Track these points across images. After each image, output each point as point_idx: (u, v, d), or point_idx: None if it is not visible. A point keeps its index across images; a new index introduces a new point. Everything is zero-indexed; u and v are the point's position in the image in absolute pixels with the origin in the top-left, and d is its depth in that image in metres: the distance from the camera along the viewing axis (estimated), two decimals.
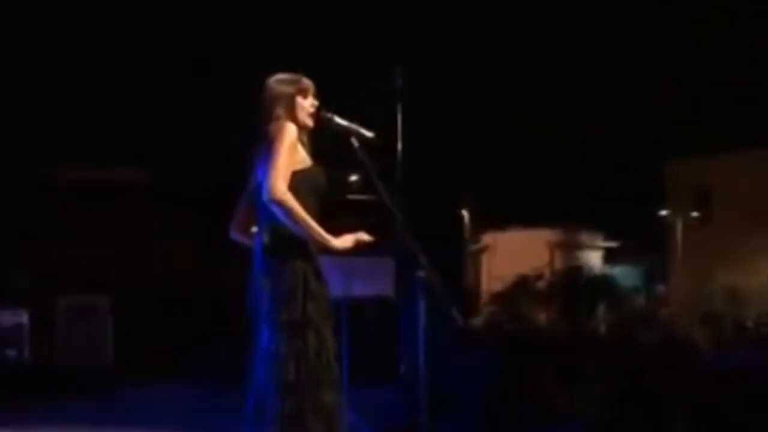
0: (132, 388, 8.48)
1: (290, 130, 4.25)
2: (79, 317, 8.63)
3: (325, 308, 4.24)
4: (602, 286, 13.79)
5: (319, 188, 4.36)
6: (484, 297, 18.70)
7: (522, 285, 14.43)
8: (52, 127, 8.02)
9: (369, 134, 4.50)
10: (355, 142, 4.45)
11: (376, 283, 5.92)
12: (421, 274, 4.53)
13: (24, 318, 8.49)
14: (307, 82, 4.43)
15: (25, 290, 8.84)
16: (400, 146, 6.65)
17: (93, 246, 10.17)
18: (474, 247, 24.26)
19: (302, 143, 4.35)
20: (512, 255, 22.13)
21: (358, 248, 4.31)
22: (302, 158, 4.31)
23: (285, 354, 4.14)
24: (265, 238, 4.22)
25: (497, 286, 15.58)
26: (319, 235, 4.18)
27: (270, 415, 4.13)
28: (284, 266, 4.16)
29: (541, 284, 14.59)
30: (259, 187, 4.24)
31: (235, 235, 4.43)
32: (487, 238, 24.30)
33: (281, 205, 4.12)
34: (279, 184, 4.14)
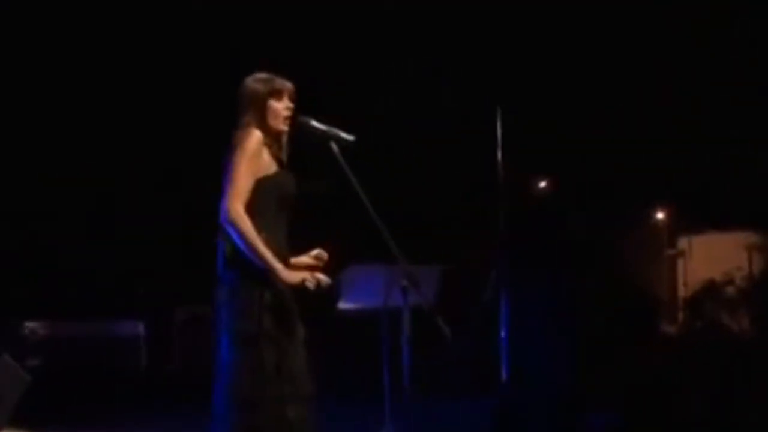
0: None
1: (253, 138, 4.09)
2: (196, 327, 8.77)
3: (289, 320, 4.06)
4: None
5: (285, 195, 4.18)
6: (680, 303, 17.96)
7: (711, 291, 13.72)
8: None
9: (349, 138, 4.30)
10: (334, 146, 4.26)
11: (420, 291, 5.67)
12: (404, 283, 4.30)
13: (140, 329, 8.70)
14: (281, 83, 4.25)
15: (142, 301, 9.07)
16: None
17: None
18: (670, 252, 23.29)
19: (269, 147, 4.19)
20: (709, 259, 21.07)
21: (313, 271, 4.08)
22: (266, 164, 4.13)
23: (240, 367, 4.01)
24: (226, 249, 4.08)
25: (690, 292, 14.91)
26: (269, 263, 3.96)
27: (224, 429, 4.01)
28: (241, 278, 4.01)
29: (731, 290, 13.82)
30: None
31: None
32: (683, 242, 23.22)
33: (233, 226, 3.98)
34: (233, 205, 4.00)
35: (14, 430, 7.07)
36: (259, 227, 4.03)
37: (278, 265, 3.98)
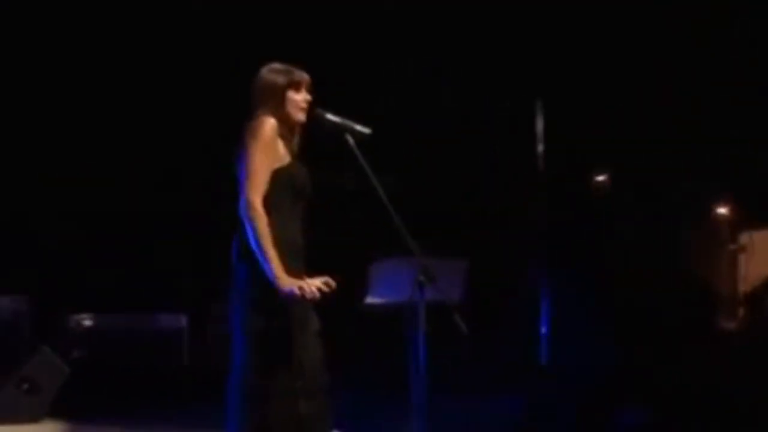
0: None
1: (267, 126, 4.05)
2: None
3: (301, 313, 4.02)
4: None
5: (300, 187, 4.14)
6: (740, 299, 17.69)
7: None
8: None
9: (365, 130, 4.25)
10: (350, 139, 4.22)
11: (445, 286, 5.60)
12: (420, 278, 4.24)
13: (184, 322, 8.73)
14: (300, 74, 4.22)
15: (185, 294, 9.08)
16: None
17: None
18: (731, 247, 22.93)
19: (284, 139, 4.16)
20: None
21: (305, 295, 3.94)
22: (281, 155, 4.10)
23: (250, 361, 3.99)
24: (240, 241, 4.05)
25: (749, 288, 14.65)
26: (273, 268, 3.90)
27: (233, 424, 4.00)
28: (253, 271, 3.96)
29: None
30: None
31: None
32: (745, 237, 22.83)
33: (250, 223, 3.94)
34: (253, 199, 3.96)
35: (54, 420, 7.17)
36: (275, 221, 4.00)
37: (280, 272, 3.90)
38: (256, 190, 3.98)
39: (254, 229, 3.93)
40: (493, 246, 8.15)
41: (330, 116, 4.24)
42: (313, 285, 3.93)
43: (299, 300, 3.91)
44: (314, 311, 4.16)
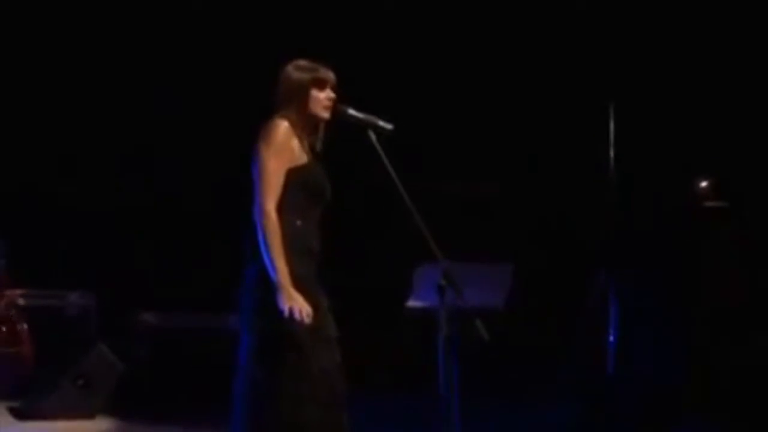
0: None
1: (279, 129, 3.94)
2: None
3: (314, 318, 3.88)
4: None
5: (315, 188, 4.02)
6: None
7: None
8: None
9: (388, 126, 4.12)
10: (372, 135, 4.09)
11: (488, 292, 5.42)
12: (442, 282, 4.08)
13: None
14: (325, 72, 4.10)
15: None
16: None
17: None
18: None
19: (300, 138, 4.04)
20: None
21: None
22: (296, 155, 3.98)
23: (256, 365, 3.89)
24: (251, 243, 3.95)
25: None
26: (279, 278, 3.79)
27: (238, 426, 3.89)
28: (263, 273, 3.86)
29: None
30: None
31: None
32: None
33: (262, 231, 3.84)
34: (266, 206, 3.86)
35: (108, 417, 7.19)
36: (288, 223, 3.90)
37: (286, 282, 3.79)
38: (269, 196, 3.88)
39: (265, 237, 3.83)
40: (562, 250, 7.97)
41: (352, 112, 4.13)
42: (305, 313, 3.79)
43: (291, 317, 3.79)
44: (330, 316, 4.05)
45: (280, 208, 3.90)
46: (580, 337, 7.75)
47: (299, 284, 3.85)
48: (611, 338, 7.67)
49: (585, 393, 7.46)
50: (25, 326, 7.70)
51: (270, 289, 3.83)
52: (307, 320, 3.79)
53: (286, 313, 3.75)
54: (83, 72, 8.82)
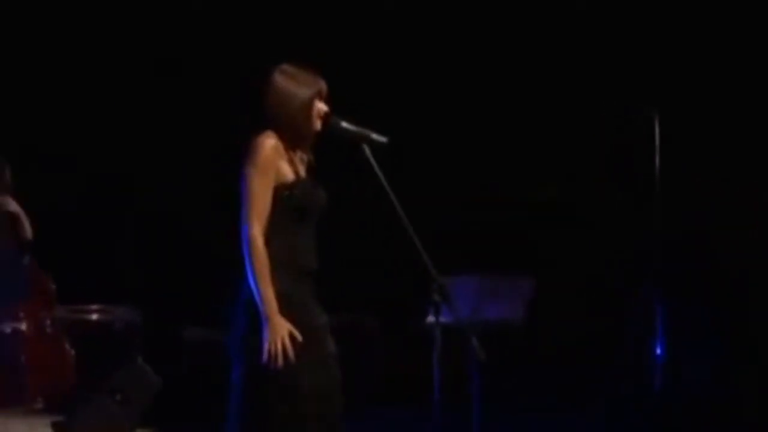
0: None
1: (265, 146, 3.85)
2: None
3: (307, 336, 3.83)
4: None
5: (303, 205, 3.93)
6: None
7: None
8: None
9: (382, 139, 4.04)
10: (366, 149, 4.01)
11: (508, 305, 5.32)
12: (436, 297, 3.99)
13: None
14: (322, 82, 4.01)
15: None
16: None
17: None
18: None
19: (291, 153, 3.97)
20: None
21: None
22: (283, 173, 3.90)
23: (247, 385, 3.85)
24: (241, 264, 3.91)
25: None
26: (266, 308, 3.75)
27: None
28: (250, 289, 3.82)
29: None
30: None
31: None
32: None
33: (248, 258, 3.79)
34: (251, 232, 3.79)
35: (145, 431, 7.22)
36: (278, 243, 3.85)
37: (273, 310, 3.75)
38: (255, 220, 3.80)
39: (251, 265, 3.77)
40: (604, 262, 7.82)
41: (345, 124, 4.05)
42: (286, 347, 3.75)
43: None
44: (329, 333, 4.00)
45: (270, 228, 3.84)
46: (624, 352, 7.59)
47: (291, 305, 3.82)
48: (658, 352, 7.46)
49: (632, 410, 7.30)
50: (68, 342, 7.77)
51: (255, 312, 3.81)
52: (290, 353, 3.74)
53: (271, 350, 3.72)
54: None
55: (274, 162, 3.85)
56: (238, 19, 8.57)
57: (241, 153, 3.90)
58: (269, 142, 3.86)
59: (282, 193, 3.87)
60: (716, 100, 7.81)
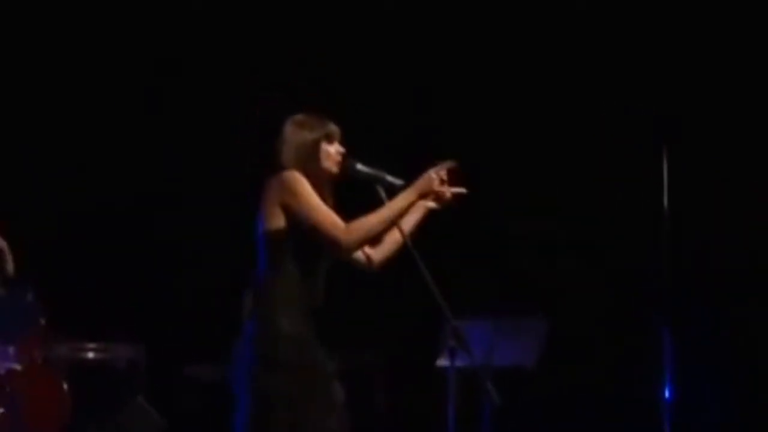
0: None
1: (298, 176, 3.90)
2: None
3: (313, 381, 3.77)
4: None
5: (319, 244, 3.89)
6: None
7: None
8: None
9: (398, 182, 4.03)
10: (381, 191, 3.99)
11: (521, 349, 5.22)
12: (451, 343, 3.92)
13: None
14: (332, 126, 4.07)
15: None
16: None
17: None
18: None
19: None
20: None
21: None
22: None
23: (250, 426, 3.80)
24: (248, 298, 3.87)
25: None
26: (402, 204, 3.91)
27: None
28: (259, 328, 3.84)
29: None
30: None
31: None
32: None
33: (357, 241, 3.87)
34: (339, 234, 3.82)
35: None
36: (288, 277, 3.85)
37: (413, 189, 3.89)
38: (332, 227, 3.81)
39: (366, 233, 3.84)
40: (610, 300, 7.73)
41: (361, 166, 4.07)
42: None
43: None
44: (335, 381, 3.93)
45: (284, 257, 3.85)
46: (634, 394, 7.49)
47: (295, 345, 3.80)
48: (666, 394, 7.36)
49: None
50: (66, 381, 7.58)
51: (269, 344, 3.79)
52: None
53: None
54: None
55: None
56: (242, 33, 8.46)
57: (262, 193, 3.92)
58: (300, 176, 3.90)
59: (301, 233, 3.87)
60: (724, 131, 7.73)
